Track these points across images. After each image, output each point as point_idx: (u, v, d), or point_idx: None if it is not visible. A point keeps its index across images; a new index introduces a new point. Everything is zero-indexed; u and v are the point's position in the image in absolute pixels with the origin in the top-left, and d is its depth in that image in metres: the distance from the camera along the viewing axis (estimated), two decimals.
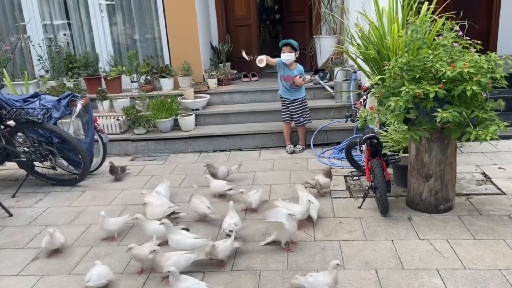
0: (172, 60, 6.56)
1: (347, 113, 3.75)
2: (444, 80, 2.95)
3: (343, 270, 2.76)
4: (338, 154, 5.01)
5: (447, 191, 3.39)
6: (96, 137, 4.77)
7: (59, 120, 4.47)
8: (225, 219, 3.22)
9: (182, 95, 5.97)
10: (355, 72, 5.62)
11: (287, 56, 4.91)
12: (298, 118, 5.16)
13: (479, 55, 3.01)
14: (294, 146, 5.27)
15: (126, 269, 2.96)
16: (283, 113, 5.27)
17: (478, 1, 6.71)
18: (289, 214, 2.99)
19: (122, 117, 5.74)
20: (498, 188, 3.79)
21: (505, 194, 3.68)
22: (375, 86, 3.40)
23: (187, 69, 6.25)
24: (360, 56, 4.55)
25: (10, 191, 4.48)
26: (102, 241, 3.36)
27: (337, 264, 2.41)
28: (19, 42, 6.83)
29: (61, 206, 4.10)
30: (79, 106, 4.48)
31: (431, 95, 2.88)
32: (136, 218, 3.16)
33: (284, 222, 2.94)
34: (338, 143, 5.28)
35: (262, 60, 4.76)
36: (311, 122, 5.28)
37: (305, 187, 3.93)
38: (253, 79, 6.92)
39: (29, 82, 6.12)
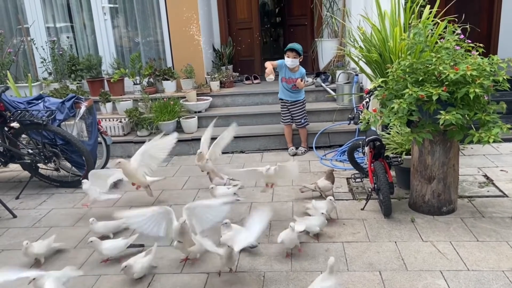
0: (174, 63, 6.59)
1: (350, 115, 3.77)
2: (447, 83, 2.97)
3: (347, 272, 2.77)
4: (340, 156, 5.02)
5: (450, 193, 3.40)
6: (99, 139, 4.79)
7: (63, 122, 4.49)
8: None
9: (185, 97, 6.00)
10: (357, 75, 5.64)
11: (291, 61, 4.94)
12: (299, 120, 5.18)
13: (482, 58, 3.04)
14: (296, 148, 5.29)
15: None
16: (283, 115, 5.28)
17: (479, 5, 6.74)
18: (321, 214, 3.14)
19: (125, 119, 5.76)
20: (500, 191, 3.80)
21: (507, 196, 3.69)
22: (378, 89, 3.42)
23: (190, 71, 6.28)
24: (362, 59, 4.57)
25: (14, 193, 4.50)
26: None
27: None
28: (22, 45, 6.86)
29: (65, 207, 4.11)
30: (83, 108, 4.50)
31: (434, 98, 2.90)
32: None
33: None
34: (340, 146, 5.30)
35: (268, 74, 4.89)
36: (308, 124, 5.31)
37: (302, 191, 3.94)
38: (255, 81, 6.94)
39: (32, 84, 6.15)
